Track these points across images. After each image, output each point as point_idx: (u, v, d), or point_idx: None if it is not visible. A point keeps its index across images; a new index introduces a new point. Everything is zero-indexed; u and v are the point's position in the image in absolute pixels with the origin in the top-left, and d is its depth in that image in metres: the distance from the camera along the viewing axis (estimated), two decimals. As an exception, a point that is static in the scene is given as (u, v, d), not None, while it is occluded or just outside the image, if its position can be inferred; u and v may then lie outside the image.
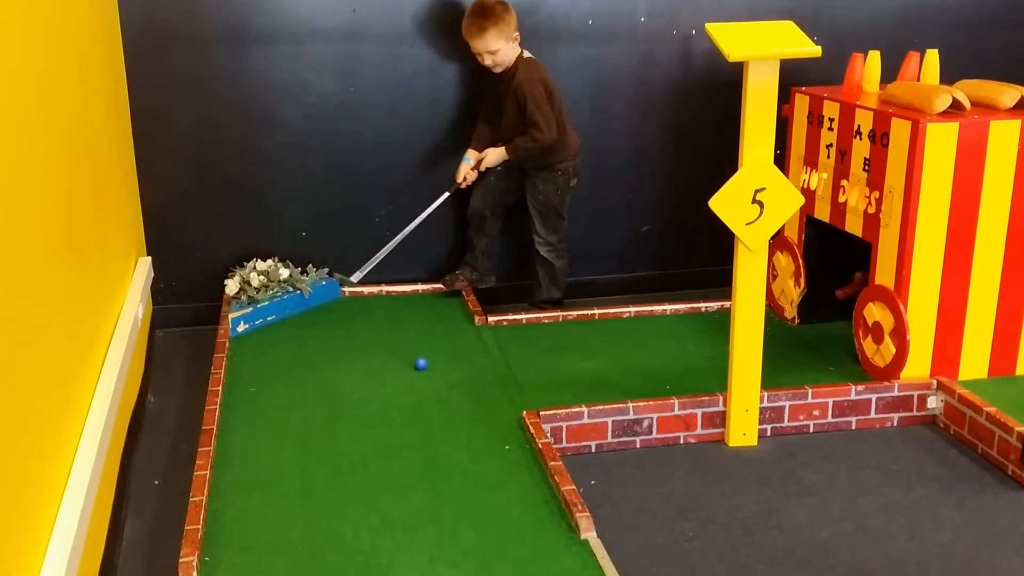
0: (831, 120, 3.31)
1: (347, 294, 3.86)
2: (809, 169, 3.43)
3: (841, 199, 3.28)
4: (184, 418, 3.08)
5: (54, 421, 2.04)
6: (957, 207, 2.98)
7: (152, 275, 3.59)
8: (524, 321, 3.65)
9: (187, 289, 3.79)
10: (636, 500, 2.63)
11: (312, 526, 2.39)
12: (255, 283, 3.65)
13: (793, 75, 3.56)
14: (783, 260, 3.64)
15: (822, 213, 3.39)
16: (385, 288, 3.88)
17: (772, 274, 3.70)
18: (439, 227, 3.90)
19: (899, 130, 2.98)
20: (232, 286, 3.64)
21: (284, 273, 3.72)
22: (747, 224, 2.70)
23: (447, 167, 3.79)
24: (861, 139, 3.16)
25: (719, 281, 3.26)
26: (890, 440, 2.94)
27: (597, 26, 3.85)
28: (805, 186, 3.44)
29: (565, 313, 3.69)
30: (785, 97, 3.37)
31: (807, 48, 2.59)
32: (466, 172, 3.73)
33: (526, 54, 3.63)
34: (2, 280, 1.74)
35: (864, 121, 3.15)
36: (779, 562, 2.37)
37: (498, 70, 3.61)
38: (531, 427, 2.76)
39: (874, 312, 3.15)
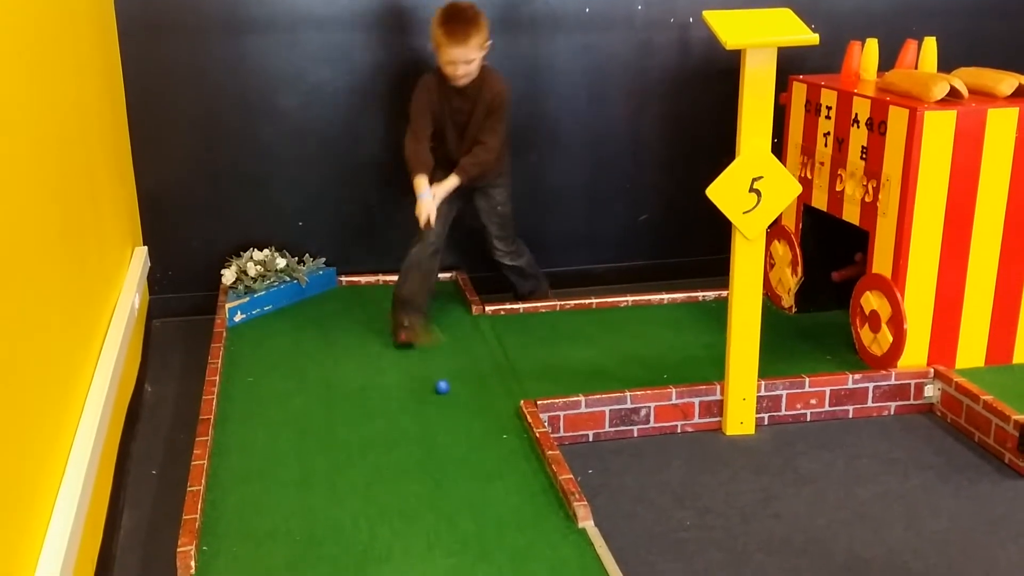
0: (828, 108, 3.30)
1: (344, 283, 3.86)
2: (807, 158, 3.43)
3: (839, 188, 3.27)
4: (181, 408, 3.08)
5: (51, 411, 2.04)
6: (954, 196, 2.97)
7: (148, 264, 3.58)
8: (521, 310, 3.64)
9: (184, 279, 3.79)
10: (633, 489, 2.63)
11: (310, 515, 2.40)
12: (252, 272, 3.64)
13: (791, 63, 3.56)
14: (780, 249, 3.64)
15: (819, 201, 3.39)
16: (382, 278, 3.87)
17: (769, 263, 3.70)
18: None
19: (897, 118, 2.98)
20: (229, 276, 3.64)
21: (281, 263, 3.71)
22: (744, 213, 2.69)
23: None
24: (859, 127, 3.16)
25: (716, 270, 3.25)
26: (887, 429, 2.95)
27: (594, 14, 3.83)
28: (803, 175, 3.44)
29: (562, 302, 3.69)
30: (783, 85, 3.37)
31: (804, 36, 2.58)
32: (430, 210, 3.30)
33: (484, 62, 3.37)
34: (-2, 270, 1.73)
35: (862, 109, 3.14)
36: (776, 550, 2.37)
37: (465, 81, 3.31)
38: (528, 416, 2.76)
39: (871, 301, 3.14)
